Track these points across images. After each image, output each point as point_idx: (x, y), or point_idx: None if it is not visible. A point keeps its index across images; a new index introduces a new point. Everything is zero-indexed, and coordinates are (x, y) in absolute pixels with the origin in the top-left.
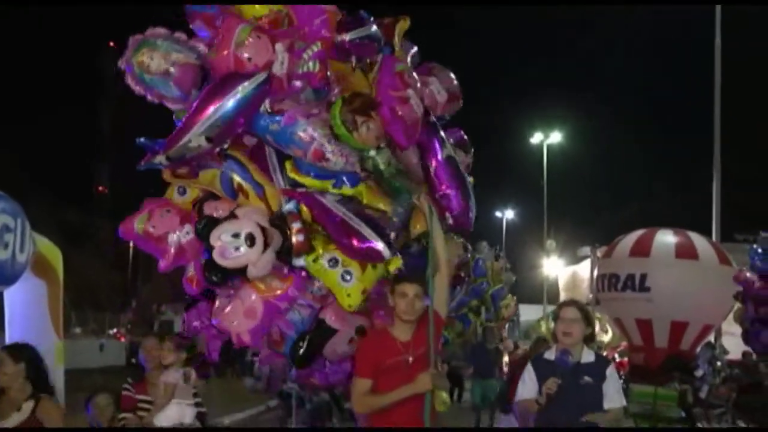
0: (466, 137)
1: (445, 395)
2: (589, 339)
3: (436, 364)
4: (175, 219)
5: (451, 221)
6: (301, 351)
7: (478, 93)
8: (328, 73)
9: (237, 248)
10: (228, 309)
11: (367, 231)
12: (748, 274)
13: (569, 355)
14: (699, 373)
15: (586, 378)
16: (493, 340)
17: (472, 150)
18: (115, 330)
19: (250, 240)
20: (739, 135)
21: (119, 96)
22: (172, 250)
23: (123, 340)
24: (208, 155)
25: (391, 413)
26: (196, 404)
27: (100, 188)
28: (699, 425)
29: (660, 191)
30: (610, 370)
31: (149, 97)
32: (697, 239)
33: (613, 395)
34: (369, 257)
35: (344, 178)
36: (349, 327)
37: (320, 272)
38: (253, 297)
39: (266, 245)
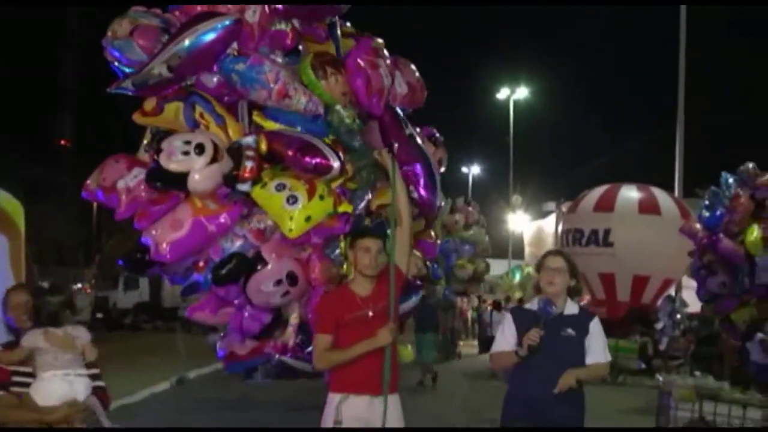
0: (437, 134)
1: (408, 347)
2: (574, 292)
3: (396, 319)
4: (122, 166)
5: (414, 195)
6: (226, 268)
7: (445, 49)
8: (300, 45)
9: (185, 153)
10: (157, 221)
11: (321, 145)
12: (696, 225)
13: (552, 304)
14: (659, 325)
15: (569, 330)
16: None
17: (443, 143)
18: (79, 285)
19: (200, 149)
20: (705, 89)
21: (82, 47)
22: (123, 196)
23: (88, 294)
24: (170, 87)
25: (352, 368)
26: (93, 376)
27: (63, 141)
28: (658, 376)
29: (625, 147)
30: (595, 324)
31: (122, 66)
32: (660, 195)
33: (598, 350)
34: (318, 171)
35: (309, 129)
36: (281, 265)
37: (265, 197)
38: (186, 211)
39: (215, 160)
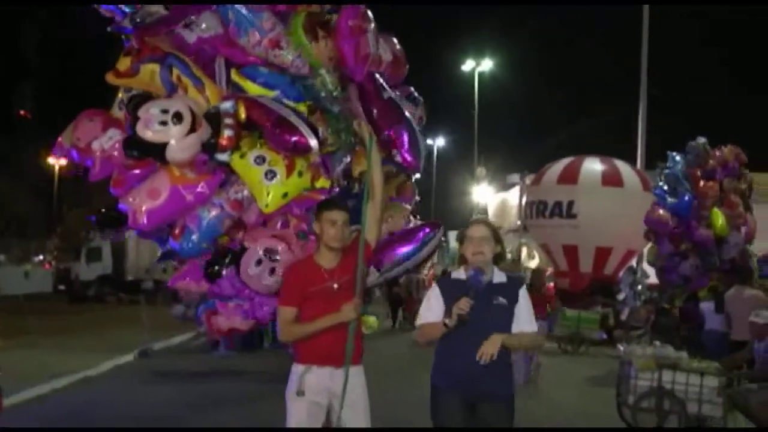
0: (416, 93)
1: (372, 319)
2: (498, 258)
3: (362, 294)
4: (97, 126)
5: (398, 158)
6: (218, 266)
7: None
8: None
9: (163, 123)
10: (134, 189)
11: (299, 123)
12: (660, 212)
13: (482, 273)
14: (621, 296)
15: (500, 299)
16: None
17: (422, 102)
18: (41, 257)
19: (178, 118)
20: (668, 61)
21: (43, 17)
22: (98, 158)
23: (49, 267)
24: (167, 26)
25: (315, 340)
26: None
27: (23, 113)
28: (619, 346)
29: (589, 119)
30: (523, 291)
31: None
32: (623, 167)
33: (525, 319)
34: (296, 150)
35: (288, 93)
36: (256, 245)
37: (244, 168)
38: (163, 179)
39: (193, 129)
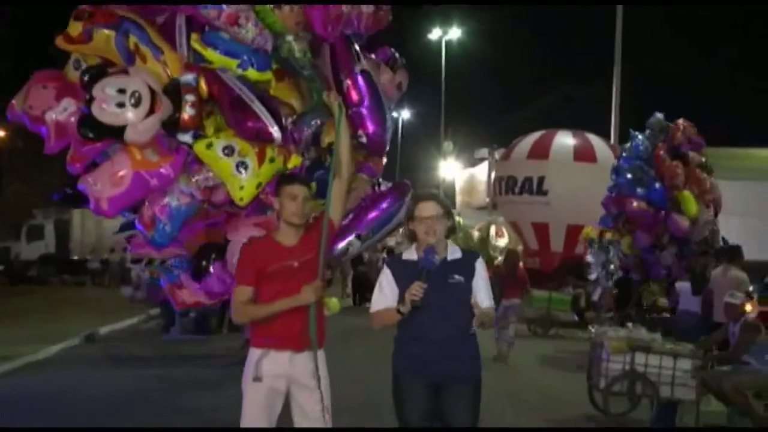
0: (396, 55)
1: (334, 300)
2: (450, 231)
3: (323, 276)
4: (50, 94)
5: (363, 140)
6: (203, 263)
7: None
8: None
9: (120, 105)
10: (95, 171)
11: (261, 110)
12: (636, 203)
13: (435, 253)
14: (593, 276)
15: (456, 276)
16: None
17: (403, 66)
18: None
19: (136, 99)
20: (643, 33)
21: None
22: (53, 130)
23: None
24: None
25: (273, 322)
26: None
27: None
28: (590, 328)
29: (561, 91)
30: (479, 264)
31: None
32: (596, 142)
33: (484, 295)
34: (260, 138)
35: (252, 61)
36: (239, 236)
37: (212, 160)
38: (125, 165)
39: (153, 110)
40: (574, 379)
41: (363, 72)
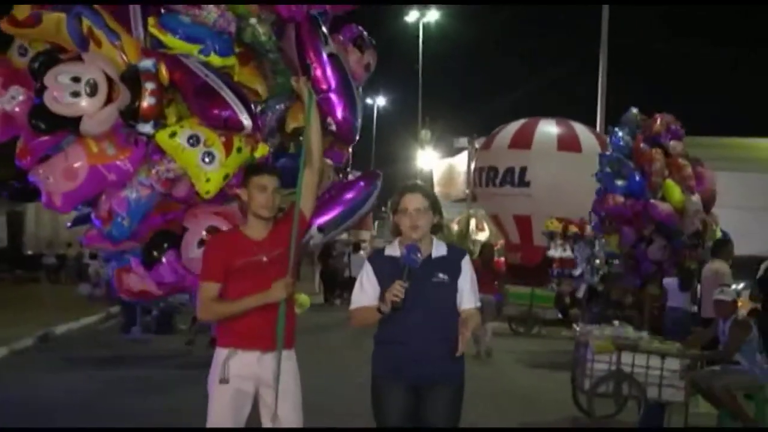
0: (364, 34)
1: (304, 297)
2: (437, 228)
3: (294, 273)
4: None
5: (333, 128)
6: (156, 251)
7: None
8: None
9: (75, 94)
10: (48, 163)
11: (230, 97)
12: (613, 199)
13: (417, 250)
14: (577, 271)
15: (441, 275)
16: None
17: (372, 46)
18: None
19: (92, 88)
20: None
21: None
22: (0, 120)
23: None
24: None
25: (241, 320)
26: None
27: None
28: (575, 326)
29: (545, 78)
30: (466, 263)
31: None
32: (581, 130)
33: (470, 294)
34: (228, 127)
35: (215, 45)
36: (199, 224)
37: (176, 151)
38: (80, 158)
39: (110, 99)
40: (558, 380)
41: (331, 56)
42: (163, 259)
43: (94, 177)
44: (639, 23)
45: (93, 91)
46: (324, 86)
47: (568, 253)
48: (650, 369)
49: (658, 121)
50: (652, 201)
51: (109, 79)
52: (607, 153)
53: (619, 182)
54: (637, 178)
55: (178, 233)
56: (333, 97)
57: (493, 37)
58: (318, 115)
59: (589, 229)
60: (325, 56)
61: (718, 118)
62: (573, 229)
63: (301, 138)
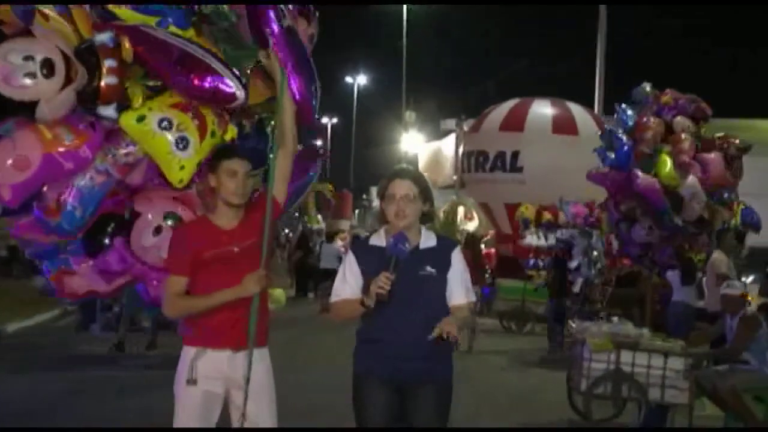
0: (311, 6)
1: (278, 291)
2: (426, 218)
3: (267, 264)
4: None
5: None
6: (100, 237)
7: None
8: None
9: (30, 75)
10: None
11: (217, 65)
12: (599, 166)
13: (405, 240)
14: (574, 264)
15: (428, 268)
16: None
17: (316, 17)
18: None
19: (48, 68)
20: None
21: None
22: None
23: None
24: None
25: (210, 316)
26: None
27: None
28: (571, 323)
29: (538, 55)
30: (456, 255)
31: None
32: (578, 112)
33: (460, 288)
34: (216, 99)
35: (172, 17)
36: (155, 209)
37: (146, 137)
38: (32, 146)
39: (68, 80)
40: (553, 381)
41: (288, 29)
42: (108, 243)
43: (49, 166)
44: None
45: (50, 72)
46: (281, 64)
47: (542, 242)
48: (652, 368)
49: (668, 95)
50: (635, 172)
51: (66, 58)
52: (609, 128)
53: (611, 155)
54: (626, 147)
55: (123, 217)
56: (291, 74)
57: (484, 11)
58: (290, 95)
59: (562, 216)
60: (280, 28)
61: (725, 101)
62: (547, 216)
63: (257, 117)
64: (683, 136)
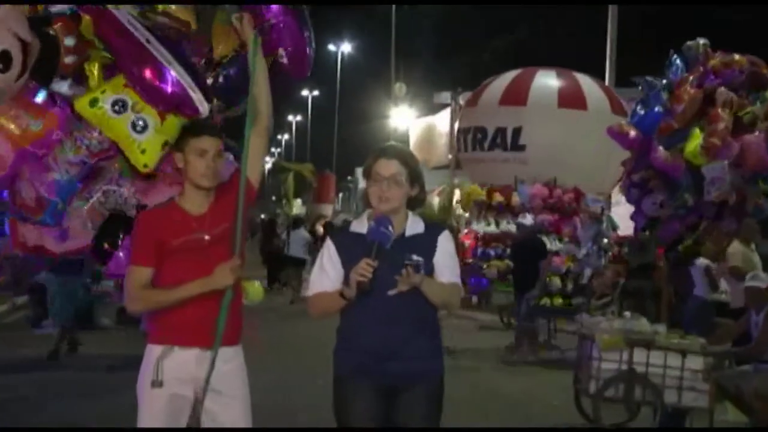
0: None
1: (256, 285)
2: (415, 203)
3: (241, 253)
4: None
5: (284, 60)
6: (108, 241)
7: None
8: None
9: None
10: None
11: (177, 69)
12: (622, 123)
13: (388, 223)
14: (582, 252)
15: (415, 257)
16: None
17: None
18: None
19: (5, 62)
20: None
21: None
22: None
23: None
24: None
25: (177, 313)
26: None
27: None
28: (578, 318)
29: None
30: (444, 238)
31: None
32: (587, 84)
33: (444, 270)
34: (176, 107)
35: None
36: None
37: (102, 121)
38: (3, 145)
39: (24, 68)
40: (558, 382)
41: None
42: (120, 253)
43: (24, 157)
44: None
45: (6, 66)
46: (269, 10)
47: (493, 228)
48: (668, 369)
49: (717, 58)
50: (654, 142)
51: (23, 44)
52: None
53: (640, 110)
54: (657, 109)
55: (126, 217)
56: (283, 21)
57: None
58: (264, 61)
59: (516, 198)
60: None
61: None
62: (497, 198)
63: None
64: (721, 113)
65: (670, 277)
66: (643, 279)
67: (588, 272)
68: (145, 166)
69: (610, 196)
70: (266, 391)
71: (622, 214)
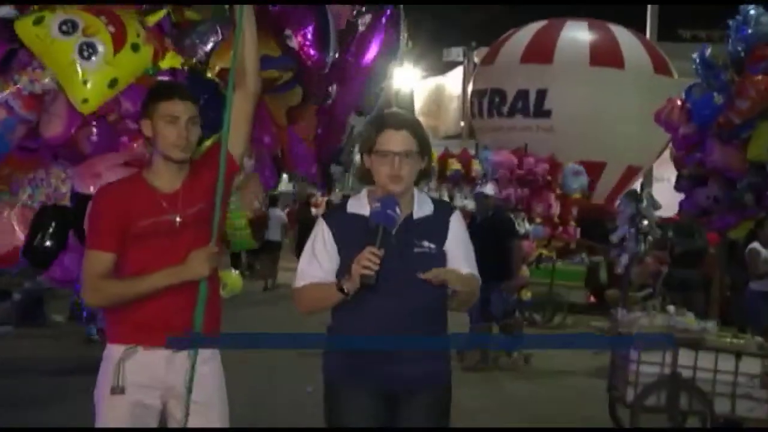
0: None
1: (234, 276)
2: (423, 176)
3: (219, 237)
4: None
5: (293, 43)
6: (47, 241)
7: None
8: None
9: None
10: None
11: None
12: (677, 104)
13: (395, 204)
14: (617, 237)
15: (425, 243)
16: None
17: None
18: None
19: None
20: None
21: None
22: None
23: None
24: None
25: (143, 307)
26: None
27: None
28: (613, 314)
29: None
30: (455, 219)
31: None
32: (624, 37)
33: (460, 260)
34: None
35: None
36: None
37: (43, 45)
38: None
39: None
40: (590, 389)
41: None
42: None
43: None
44: None
45: None
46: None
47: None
48: (719, 373)
49: None
50: (711, 140)
51: None
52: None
53: (695, 93)
54: (715, 98)
55: (71, 205)
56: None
57: None
58: (253, 21)
59: (477, 166)
60: None
61: None
62: (454, 165)
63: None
64: None
65: (725, 266)
66: (690, 268)
67: (625, 260)
68: (85, 101)
69: (651, 170)
70: (247, 405)
71: (665, 191)
